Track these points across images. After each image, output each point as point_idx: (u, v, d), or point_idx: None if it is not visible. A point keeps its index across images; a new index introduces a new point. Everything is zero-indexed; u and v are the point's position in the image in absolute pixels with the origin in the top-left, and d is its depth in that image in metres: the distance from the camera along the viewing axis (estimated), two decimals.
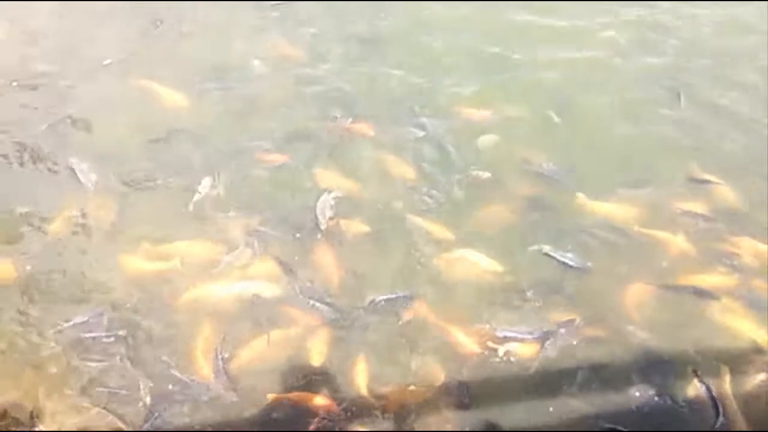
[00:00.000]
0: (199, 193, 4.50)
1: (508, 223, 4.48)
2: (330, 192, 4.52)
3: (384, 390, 3.63)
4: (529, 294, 4.07)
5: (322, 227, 4.33)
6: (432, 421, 3.54)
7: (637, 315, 4.01)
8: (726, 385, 3.72)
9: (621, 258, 4.31)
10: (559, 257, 4.24)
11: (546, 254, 4.26)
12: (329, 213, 4.40)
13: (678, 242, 4.38)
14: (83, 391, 3.53)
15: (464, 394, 3.63)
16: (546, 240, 4.34)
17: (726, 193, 4.73)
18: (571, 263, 4.22)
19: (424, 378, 3.69)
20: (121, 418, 3.43)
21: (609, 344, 3.87)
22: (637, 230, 4.46)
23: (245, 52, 5.66)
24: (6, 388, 3.53)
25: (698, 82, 5.67)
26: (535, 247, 4.30)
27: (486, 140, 4.99)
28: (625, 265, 4.26)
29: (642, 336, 3.91)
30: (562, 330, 3.86)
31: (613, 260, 4.28)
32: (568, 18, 6.18)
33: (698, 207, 4.63)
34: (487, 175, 4.74)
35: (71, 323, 3.79)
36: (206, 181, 4.56)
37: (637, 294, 4.11)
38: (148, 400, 3.51)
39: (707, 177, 4.82)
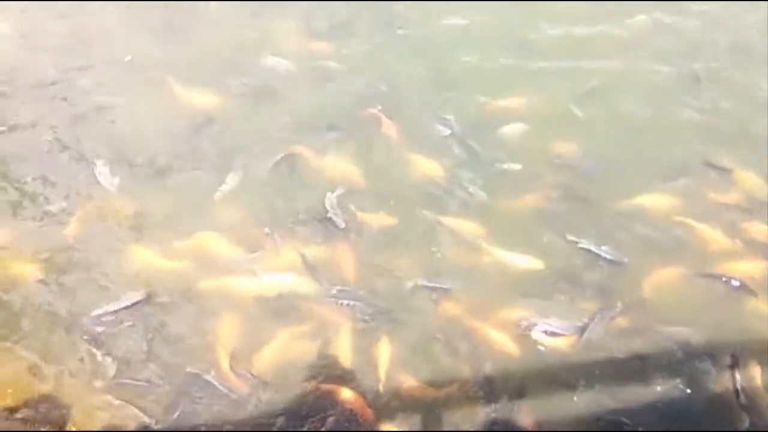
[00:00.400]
0: (227, 183, 4.44)
1: (540, 216, 4.36)
2: (334, 191, 4.40)
3: (412, 384, 3.52)
4: (562, 287, 3.95)
5: (341, 226, 4.22)
6: (460, 414, 3.43)
7: (671, 305, 3.89)
8: (757, 377, 3.59)
9: (656, 250, 4.17)
10: (594, 249, 4.11)
11: (582, 247, 4.13)
12: (339, 211, 4.29)
13: (713, 234, 4.26)
14: (106, 384, 3.46)
15: (498, 388, 3.52)
16: (580, 233, 4.21)
17: (752, 179, 4.62)
18: (606, 256, 4.09)
19: (453, 371, 3.58)
20: (143, 410, 3.36)
21: (642, 335, 3.75)
22: (672, 222, 4.33)
23: (269, 46, 5.58)
24: (32, 383, 3.47)
25: (726, 75, 5.54)
26: (570, 240, 4.18)
27: (512, 129, 4.89)
28: (661, 258, 4.13)
29: (675, 327, 3.79)
30: (601, 317, 3.76)
31: (648, 253, 4.15)
32: (591, 22, 6.04)
33: (731, 196, 4.52)
34: (518, 167, 4.63)
35: (93, 317, 3.73)
36: (231, 176, 4.50)
37: (670, 283, 4.00)
38: (169, 394, 3.44)
39: (726, 165, 4.70)
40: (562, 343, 3.68)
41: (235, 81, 5.25)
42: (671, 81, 5.46)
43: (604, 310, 3.80)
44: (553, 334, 3.69)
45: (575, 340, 3.68)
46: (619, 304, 3.82)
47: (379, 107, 5.02)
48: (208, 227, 4.20)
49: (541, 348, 3.67)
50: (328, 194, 4.38)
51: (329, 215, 4.26)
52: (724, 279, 4.02)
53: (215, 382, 3.48)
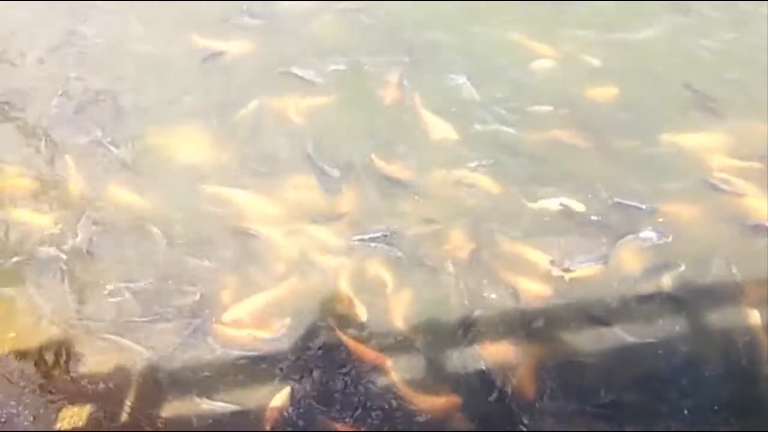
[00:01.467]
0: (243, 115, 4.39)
1: (574, 164, 4.15)
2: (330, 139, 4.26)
3: (420, 324, 3.43)
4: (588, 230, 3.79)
5: (335, 175, 4.07)
6: (491, 357, 3.32)
7: (697, 241, 3.78)
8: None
9: (693, 197, 3.98)
10: (626, 201, 3.92)
11: (616, 201, 3.94)
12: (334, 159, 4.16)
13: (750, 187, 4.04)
14: (110, 323, 3.42)
15: (527, 327, 3.41)
16: (610, 182, 4.01)
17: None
18: (639, 205, 3.90)
19: (486, 313, 3.46)
20: (149, 348, 3.32)
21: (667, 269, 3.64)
22: (708, 166, 4.13)
23: None
24: (36, 321, 3.44)
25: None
26: (602, 194, 3.98)
27: (540, 64, 4.69)
28: (689, 198, 3.96)
29: (701, 262, 3.67)
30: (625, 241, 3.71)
31: (685, 199, 3.96)
32: None
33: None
34: (548, 108, 4.43)
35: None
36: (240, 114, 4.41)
37: (697, 220, 3.89)
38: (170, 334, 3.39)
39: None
40: (589, 273, 3.58)
41: (256, 22, 5.11)
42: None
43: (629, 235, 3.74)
44: (580, 266, 3.60)
45: (601, 270, 3.60)
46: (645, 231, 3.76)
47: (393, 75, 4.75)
48: (212, 168, 4.13)
49: (568, 281, 3.56)
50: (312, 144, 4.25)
51: (324, 165, 4.12)
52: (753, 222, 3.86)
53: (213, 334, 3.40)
